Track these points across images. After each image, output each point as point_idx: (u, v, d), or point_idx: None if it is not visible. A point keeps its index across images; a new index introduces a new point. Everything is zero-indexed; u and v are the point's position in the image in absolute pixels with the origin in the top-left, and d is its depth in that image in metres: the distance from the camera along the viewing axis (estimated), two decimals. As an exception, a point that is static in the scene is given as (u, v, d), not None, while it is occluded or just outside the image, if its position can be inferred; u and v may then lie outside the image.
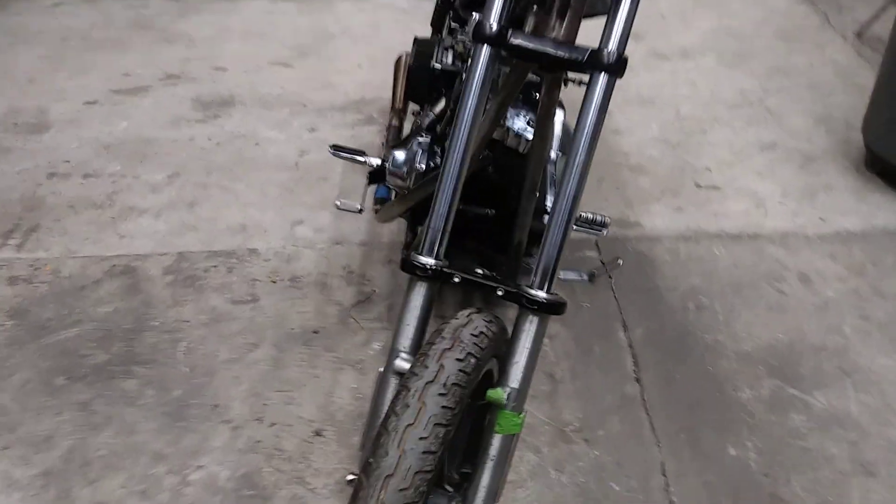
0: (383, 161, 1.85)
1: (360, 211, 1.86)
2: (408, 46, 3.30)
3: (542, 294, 1.06)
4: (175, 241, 2.22)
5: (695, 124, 2.72)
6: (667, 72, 3.08)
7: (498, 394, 1.07)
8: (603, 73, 1.03)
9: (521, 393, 1.08)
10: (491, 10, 1.06)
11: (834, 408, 1.70)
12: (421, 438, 0.90)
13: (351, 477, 1.13)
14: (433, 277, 1.11)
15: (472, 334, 1.03)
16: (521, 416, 1.09)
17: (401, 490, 0.86)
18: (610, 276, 2.02)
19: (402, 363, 1.10)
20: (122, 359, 1.81)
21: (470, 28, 1.66)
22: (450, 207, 1.11)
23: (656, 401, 1.71)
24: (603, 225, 1.67)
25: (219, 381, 1.75)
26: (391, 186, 1.76)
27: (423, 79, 1.68)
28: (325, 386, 1.74)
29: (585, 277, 1.89)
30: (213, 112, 2.90)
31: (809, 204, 2.33)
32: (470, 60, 1.09)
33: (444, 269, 1.10)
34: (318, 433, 1.63)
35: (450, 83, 1.68)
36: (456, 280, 1.11)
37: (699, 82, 2.97)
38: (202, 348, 1.84)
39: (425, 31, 3.48)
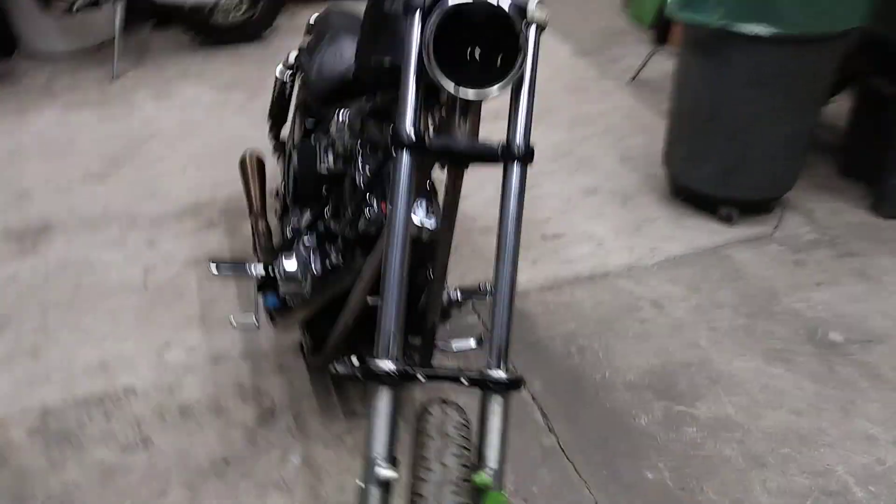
0: (266, 268, 1.82)
1: (258, 327, 1.81)
2: (227, 142, 3.29)
3: (502, 374, 1.12)
4: (30, 398, 1.99)
5: (528, 181, 2.95)
6: (485, 132, 3.32)
7: (483, 478, 1.10)
8: (516, 162, 1.13)
9: (500, 471, 1.13)
10: (405, 116, 1.11)
11: (715, 414, 1.93)
12: None
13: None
14: (398, 381, 1.12)
15: (454, 427, 1.06)
16: (504, 494, 1.14)
17: None
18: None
19: (385, 472, 1.10)
20: (7, 547, 1.58)
21: (356, 129, 1.69)
22: (397, 307, 1.13)
23: (573, 445, 1.83)
24: (487, 291, 1.78)
25: (133, 541, 1.60)
26: (285, 294, 1.74)
27: (309, 182, 1.69)
28: (254, 515, 1.65)
29: (473, 344, 1.99)
30: (31, 241, 2.65)
31: (639, 237, 2.63)
32: (393, 165, 1.13)
33: (408, 371, 1.12)
34: (261, 569, 1.55)
35: (337, 182, 1.70)
36: (422, 380, 1.13)
37: (516, 140, 3.23)
38: (102, 510, 1.66)
39: (239, 125, 3.47)
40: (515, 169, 1.14)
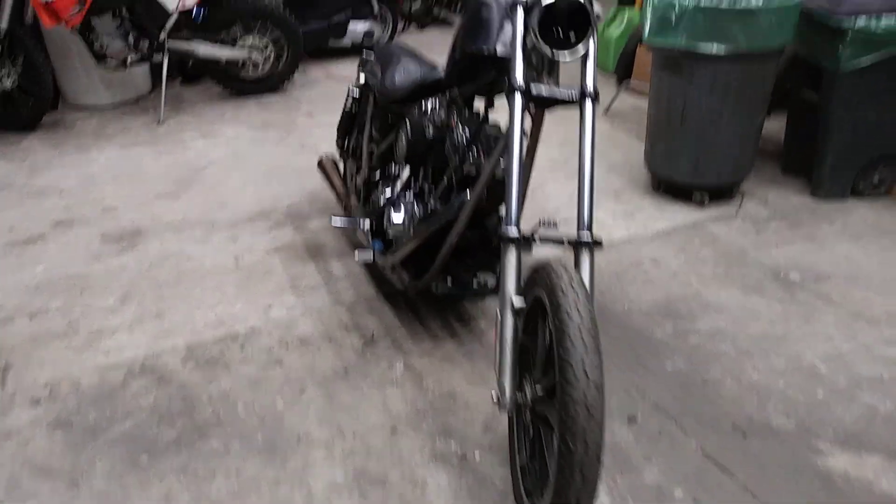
0: (373, 223, 2.39)
1: (374, 260, 2.35)
2: (276, 166, 3.89)
3: (589, 236, 1.69)
4: (164, 344, 2.45)
5: (534, 183, 3.58)
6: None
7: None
8: (589, 100, 1.74)
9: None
10: (516, 72, 1.71)
11: (711, 327, 2.52)
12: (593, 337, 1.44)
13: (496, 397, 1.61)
14: (521, 243, 1.68)
15: (578, 284, 1.57)
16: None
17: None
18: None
19: (517, 302, 1.65)
20: (192, 429, 2.04)
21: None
22: (518, 192, 1.69)
23: (608, 350, 2.36)
24: (550, 223, 2.33)
25: (289, 420, 2.07)
26: (393, 237, 2.29)
27: (420, 143, 2.25)
28: (378, 399, 2.15)
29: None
30: (128, 243, 3.13)
31: (633, 219, 3.27)
32: (510, 108, 1.72)
33: (525, 236, 1.69)
34: (393, 430, 2.04)
35: (435, 144, 2.26)
36: (537, 242, 1.70)
37: (520, 157, 3.88)
38: (259, 403, 2.14)
39: (281, 154, 4.04)
40: (589, 106, 1.74)
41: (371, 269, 2.84)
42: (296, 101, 4.89)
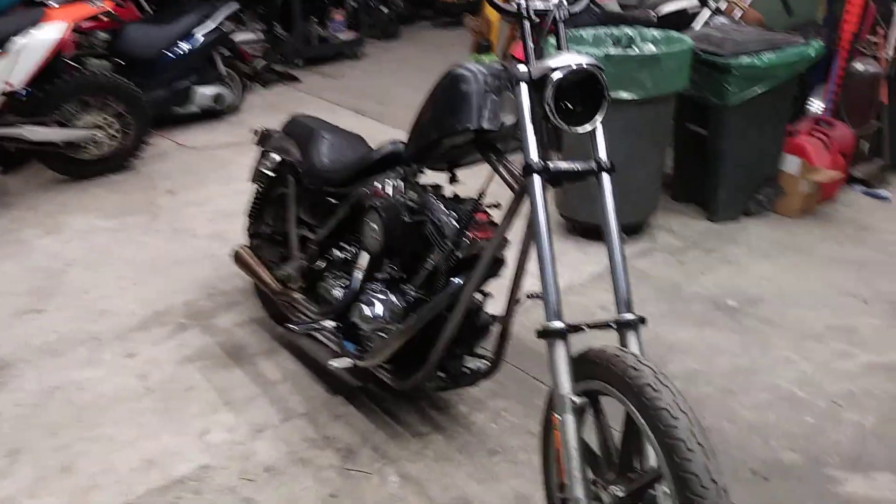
0: (337, 321, 2.08)
1: (355, 364, 2.03)
2: (154, 259, 3.42)
3: (633, 316, 1.56)
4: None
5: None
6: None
7: None
8: (605, 173, 1.62)
9: None
10: (530, 152, 1.55)
11: (683, 369, 2.48)
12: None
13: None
14: (567, 334, 1.50)
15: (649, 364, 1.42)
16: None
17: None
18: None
19: (578, 400, 1.46)
20: None
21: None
22: (555, 283, 1.52)
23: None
24: (534, 295, 2.16)
25: (291, 577, 1.71)
26: (370, 333, 2.01)
27: (398, 231, 1.95)
28: (387, 526, 1.84)
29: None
30: (-7, 380, 2.52)
31: (562, 266, 3.15)
32: (528, 190, 1.55)
33: (573, 325, 1.51)
34: (419, 561, 1.74)
35: (416, 231, 2.00)
36: (585, 329, 1.53)
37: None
38: (245, 563, 1.74)
39: (154, 243, 3.55)
40: (605, 178, 1.61)
41: (315, 366, 2.49)
42: (149, 178, 4.35)
